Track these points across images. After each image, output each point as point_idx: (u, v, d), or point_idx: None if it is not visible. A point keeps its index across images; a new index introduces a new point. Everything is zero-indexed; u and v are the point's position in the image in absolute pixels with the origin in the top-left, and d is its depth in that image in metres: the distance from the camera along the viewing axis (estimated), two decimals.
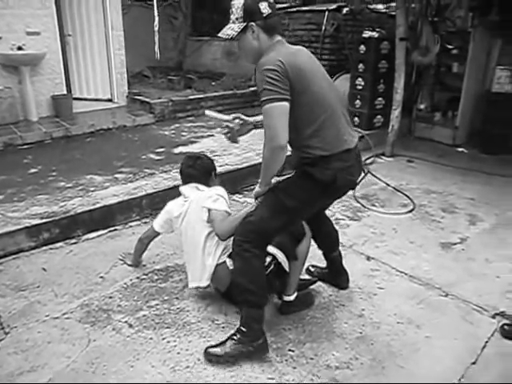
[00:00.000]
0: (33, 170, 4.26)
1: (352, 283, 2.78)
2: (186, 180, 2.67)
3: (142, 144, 5.12)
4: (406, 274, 2.90)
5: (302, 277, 2.64)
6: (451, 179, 4.55)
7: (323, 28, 6.77)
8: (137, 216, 3.62)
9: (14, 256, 3.11)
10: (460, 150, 5.49)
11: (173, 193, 3.61)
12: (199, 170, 2.63)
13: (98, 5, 6.14)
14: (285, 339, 2.31)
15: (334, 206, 3.90)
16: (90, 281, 2.84)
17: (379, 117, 5.69)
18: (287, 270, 2.40)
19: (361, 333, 2.36)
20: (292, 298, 2.45)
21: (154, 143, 5.14)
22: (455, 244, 3.30)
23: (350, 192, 4.14)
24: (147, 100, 6.24)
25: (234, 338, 2.16)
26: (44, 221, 3.24)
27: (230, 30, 2.02)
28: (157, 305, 2.60)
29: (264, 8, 1.98)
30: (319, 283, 2.77)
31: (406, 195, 4.12)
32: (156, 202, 3.63)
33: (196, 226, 2.49)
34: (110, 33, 6.20)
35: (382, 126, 5.66)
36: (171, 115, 6.25)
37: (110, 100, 6.60)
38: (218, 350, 2.15)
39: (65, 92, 5.96)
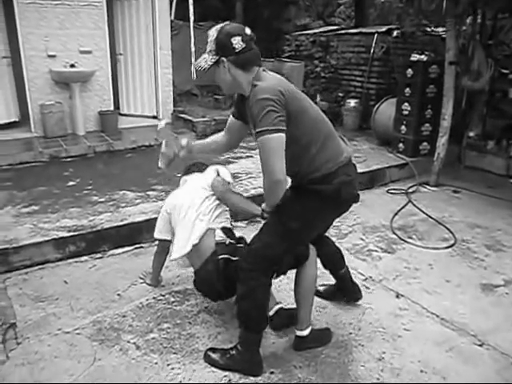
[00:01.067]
0: (71, 183, 4.38)
1: (376, 322, 2.57)
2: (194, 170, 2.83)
3: (180, 162, 5.13)
4: (437, 316, 2.65)
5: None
6: (500, 213, 4.19)
7: (372, 51, 6.63)
8: None
9: (39, 266, 3.17)
10: None
11: None
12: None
13: (149, 26, 6.36)
14: (294, 378, 2.15)
15: (367, 237, 3.71)
16: (107, 297, 2.82)
17: (425, 144, 5.41)
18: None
19: (378, 378, 2.15)
20: (305, 333, 2.30)
21: (191, 162, 5.15)
22: (498, 286, 2.99)
23: (387, 222, 4.01)
24: (190, 118, 6.32)
25: (230, 353, 2.21)
26: (71, 234, 3.29)
27: (204, 61, 1.96)
28: (168, 328, 2.52)
29: (237, 43, 1.88)
30: (340, 319, 2.59)
31: (448, 228, 3.83)
32: None
33: (193, 192, 2.56)
34: (159, 52, 6.38)
35: (428, 153, 5.37)
36: (213, 134, 6.27)
37: (155, 117, 6.75)
38: (215, 357, 2.24)
39: (112, 108, 6.17)
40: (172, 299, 2.81)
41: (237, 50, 1.89)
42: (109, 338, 2.43)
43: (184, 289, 2.92)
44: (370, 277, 3.08)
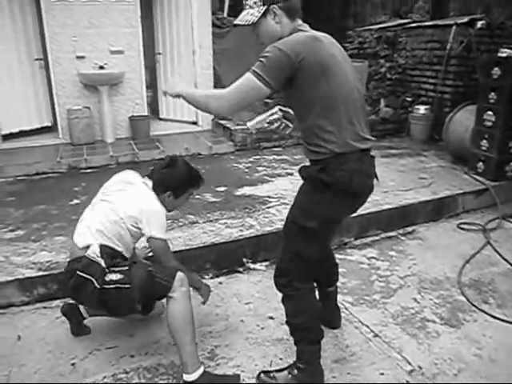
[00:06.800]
0: (75, 201, 3.83)
1: None
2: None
3: (206, 179, 4.44)
4: None
5: None
6: None
7: (449, 47, 5.48)
8: None
9: (1, 311, 2.61)
10: None
11: (204, 253, 2.91)
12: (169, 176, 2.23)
13: (187, 22, 5.74)
14: None
15: (423, 297, 2.73)
16: (56, 368, 2.17)
17: None
18: None
19: None
20: (192, 377, 1.93)
21: (219, 179, 4.42)
22: None
23: (454, 274, 2.98)
24: (228, 126, 5.60)
25: (292, 373, 2.03)
26: (39, 274, 2.69)
27: (249, 15, 1.82)
28: None
29: None
30: None
31: None
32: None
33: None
34: (198, 51, 5.73)
35: None
36: (254, 144, 5.53)
37: (194, 123, 6.12)
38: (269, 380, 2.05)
39: (146, 113, 5.63)
40: (135, 379, 2.08)
41: None
42: None
43: (157, 364, 2.19)
44: (420, 367, 2.13)
